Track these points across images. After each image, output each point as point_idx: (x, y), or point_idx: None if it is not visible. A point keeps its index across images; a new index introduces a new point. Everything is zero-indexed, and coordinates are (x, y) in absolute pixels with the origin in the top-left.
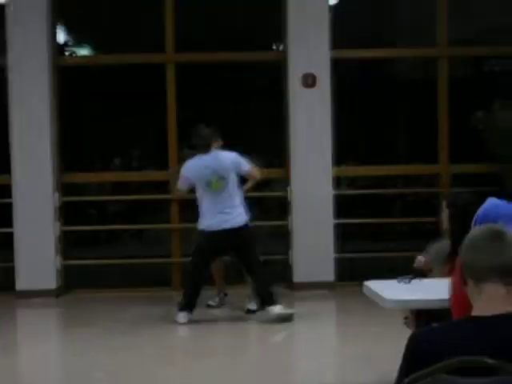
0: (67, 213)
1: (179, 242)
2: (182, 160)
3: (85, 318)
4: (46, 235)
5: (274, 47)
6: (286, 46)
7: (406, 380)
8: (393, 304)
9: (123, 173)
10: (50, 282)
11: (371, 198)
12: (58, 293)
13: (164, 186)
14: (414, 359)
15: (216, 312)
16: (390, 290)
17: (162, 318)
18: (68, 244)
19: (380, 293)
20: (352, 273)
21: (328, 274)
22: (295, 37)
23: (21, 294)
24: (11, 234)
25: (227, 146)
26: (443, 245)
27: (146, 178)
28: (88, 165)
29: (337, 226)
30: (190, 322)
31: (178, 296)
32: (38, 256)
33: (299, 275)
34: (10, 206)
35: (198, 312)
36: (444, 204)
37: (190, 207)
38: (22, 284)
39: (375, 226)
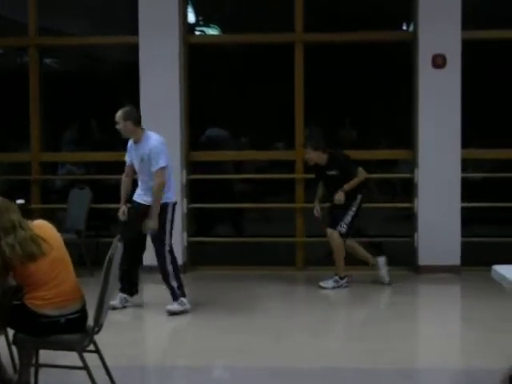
0: (193, 190)
1: (303, 222)
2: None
3: (209, 294)
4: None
5: (404, 27)
6: (416, 26)
7: None
8: None
9: (249, 152)
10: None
11: (499, 182)
12: (183, 269)
13: (290, 166)
14: None
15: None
16: None
17: (284, 296)
18: (193, 221)
19: (510, 277)
20: (478, 257)
21: (454, 257)
22: (425, 17)
23: None
24: None
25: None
26: None
27: (272, 157)
28: (213, 143)
29: (463, 210)
30: (303, 301)
31: (301, 275)
32: None
33: (424, 258)
34: None
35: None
36: None
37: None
38: None
39: (503, 210)
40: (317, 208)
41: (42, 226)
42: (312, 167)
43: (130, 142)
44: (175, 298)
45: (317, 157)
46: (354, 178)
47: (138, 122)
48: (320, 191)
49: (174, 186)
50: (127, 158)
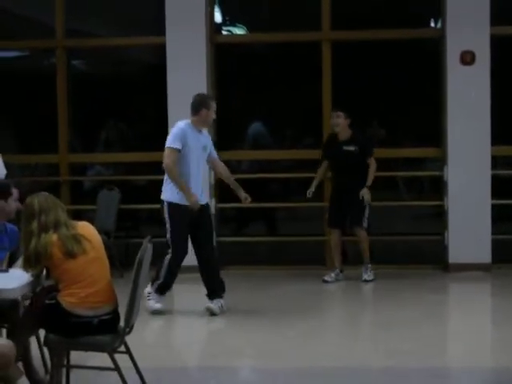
0: (221, 190)
1: None
2: None
3: (237, 294)
4: None
5: (432, 24)
6: (444, 23)
7: None
8: None
9: (276, 151)
10: None
11: None
12: None
13: (314, 165)
14: None
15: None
16: None
17: (313, 296)
18: (222, 221)
19: None
20: (509, 255)
21: (484, 255)
22: (453, 13)
23: None
24: None
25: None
26: None
27: (299, 156)
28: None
29: (493, 207)
30: (332, 301)
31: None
32: None
33: (455, 256)
34: None
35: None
36: None
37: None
38: None
39: None
40: (312, 190)
41: (86, 227)
42: (325, 142)
43: (187, 129)
44: (220, 296)
45: (344, 126)
46: (370, 166)
47: None
48: (321, 174)
49: None
50: (179, 144)
